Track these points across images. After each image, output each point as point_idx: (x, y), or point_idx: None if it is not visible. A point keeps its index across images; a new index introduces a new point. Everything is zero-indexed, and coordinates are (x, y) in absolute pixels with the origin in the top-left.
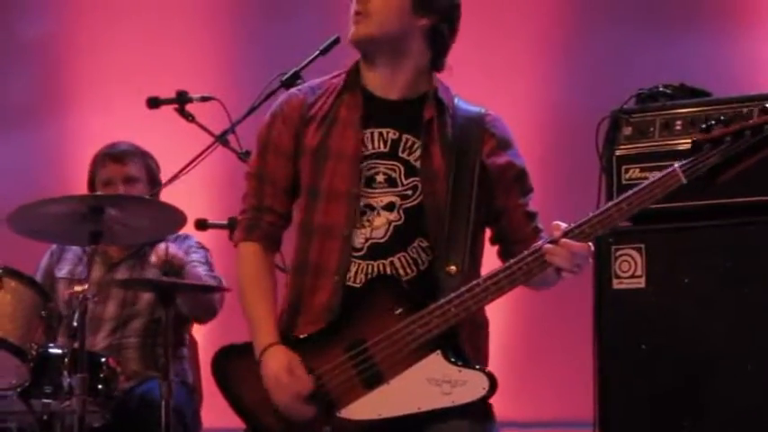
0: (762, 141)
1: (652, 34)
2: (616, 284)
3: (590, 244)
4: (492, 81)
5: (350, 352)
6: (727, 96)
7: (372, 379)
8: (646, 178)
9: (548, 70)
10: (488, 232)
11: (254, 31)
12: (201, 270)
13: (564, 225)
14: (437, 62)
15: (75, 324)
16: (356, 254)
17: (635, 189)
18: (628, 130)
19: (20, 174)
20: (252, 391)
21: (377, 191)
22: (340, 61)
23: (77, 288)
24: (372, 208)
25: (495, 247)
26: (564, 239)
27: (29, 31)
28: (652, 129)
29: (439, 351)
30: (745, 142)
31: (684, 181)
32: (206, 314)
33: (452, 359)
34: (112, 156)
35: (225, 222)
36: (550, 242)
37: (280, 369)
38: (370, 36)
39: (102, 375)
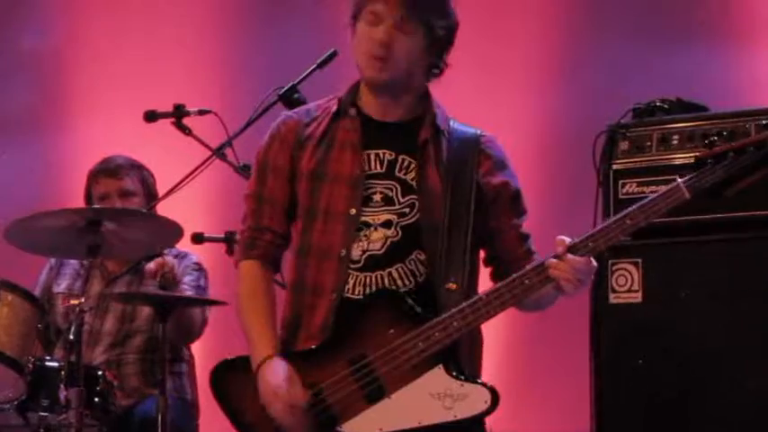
0: (765, 158)
1: (649, 48)
2: (613, 299)
3: (593, 259)
4: (488, 97)
5: (352, 366)
6: (724, 111)
7: (374, 393)
8: (643, 192)
9: (545, 85)
10: (481, 254)
11: (252, 44)
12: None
13: (568, 240)
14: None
15: (71, 337)
16: (354, 266)
17: (638, 204)
18: (625, 145)
19: (20, 186)
20: (251, 406)
21: (374, 209)
22: (337, 72)
23: (73, 301)
24: (369, 225)
25: (488, 269)
26: (568, 255)
27: (30, 44)
28: (649, 143)
29: (441, 365)
30: (748, 158)
31: (688, 196)
32: (183, 335)
33: (454, 373)
34: (107, 171)
35: (221, 236)
36: (554, 257)
37: (276, 380)
38: (392, 81)
39: (98, 389)
